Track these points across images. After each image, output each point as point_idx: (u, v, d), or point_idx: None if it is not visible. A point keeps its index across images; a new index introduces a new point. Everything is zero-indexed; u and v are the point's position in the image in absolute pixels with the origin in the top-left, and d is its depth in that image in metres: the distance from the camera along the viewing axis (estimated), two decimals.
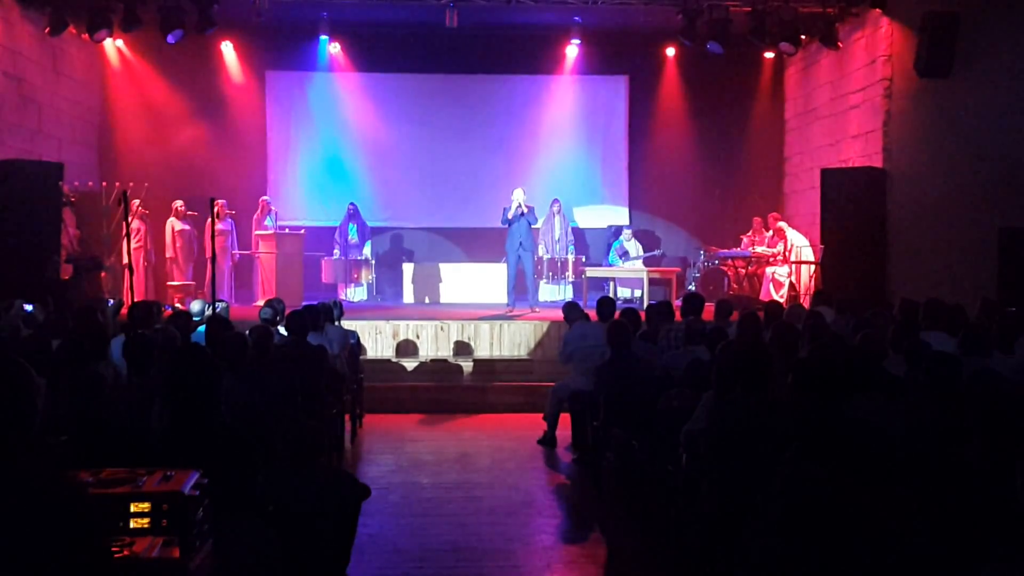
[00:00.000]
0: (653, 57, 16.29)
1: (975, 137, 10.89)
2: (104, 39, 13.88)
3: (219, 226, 12.48)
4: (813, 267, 13.61)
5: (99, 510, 2.65)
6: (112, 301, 10.75)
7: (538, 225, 14.79)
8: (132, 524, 3.31)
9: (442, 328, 11.78)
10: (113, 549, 3.10)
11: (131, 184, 12.80)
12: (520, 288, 13.38)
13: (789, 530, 3.29)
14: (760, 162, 16.57)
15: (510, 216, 13.03)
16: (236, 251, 14.80)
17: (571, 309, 9.32)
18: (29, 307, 9.42)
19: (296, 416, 6.07)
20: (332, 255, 15.17)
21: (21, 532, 2.44)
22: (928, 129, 11.91)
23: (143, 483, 3.44)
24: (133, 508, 3.32)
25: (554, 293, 15.26)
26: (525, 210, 13.01)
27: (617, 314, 8.64)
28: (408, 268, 15.38)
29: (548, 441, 8.82)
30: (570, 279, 15.28)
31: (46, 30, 13.06)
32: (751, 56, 15.77)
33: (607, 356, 7.32)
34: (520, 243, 13.06)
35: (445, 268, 15.37)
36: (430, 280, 15.17)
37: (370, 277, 15.30)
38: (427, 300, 14.93)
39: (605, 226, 16.60)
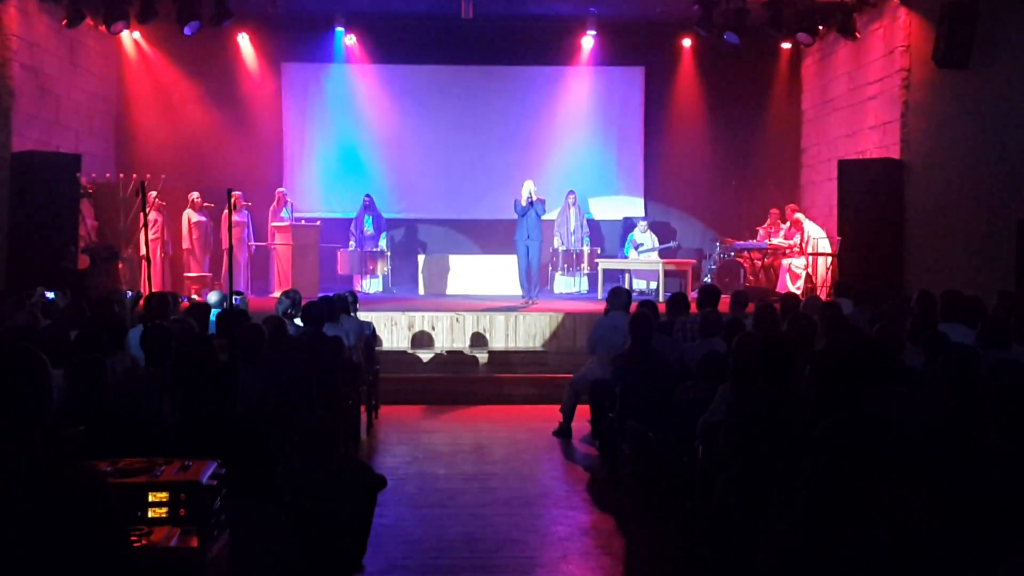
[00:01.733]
0: (669, 48, 16.21)
1: (993, 128, 10.81)
2: (121, 31, 13.92)
3: (235, 217, 12.52)
4: (830, 259, 13.55)
5: (117, 499, 2.66)
6: (130, 292, 10.80)
7: (552, 216, 14.77)
8: (150, 513, 3.33)
9: (457, 320, 11.79)
10: (131, 538, 3.11)
11: (148, 175, 12.83)
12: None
13: (809, 523, 3.28)
14: (777, 153, 16.49)
15: (523, 204, 13.02)
16: (252, 242, 14.84)
17: (613, 296, 8.94)
18: (51, 295, 9.50)
19: (312, 407, 6.10)
20: (348, 247, 15.19)
21: (39, 522, 2.45)
22: (946, 120, 11.82)
23: (161, 473, 3.46)
24: (151, 497, 3.34)
25: (569, 285, 15.25)
26: (535, 199, 13.00)
27: (634, 306, 8.60)
28: (423, 260, 15.39)
29: (563, 432, 8.81)
30: (585, 271, 15.26)
31: (63, 22, 13.10)
32: (768, 46, 15.68)
33: (624, 346, 7.30)
34: (528, 234, 13.06)
35: (460, 260, 15.36)
36: (445, 272, 15.16)
37: (385, 269, 15.32)
38: (446, 292, 14.93)
39: (620, 218, 16.56)
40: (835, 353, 4.21)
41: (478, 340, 11.69)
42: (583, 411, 8.54)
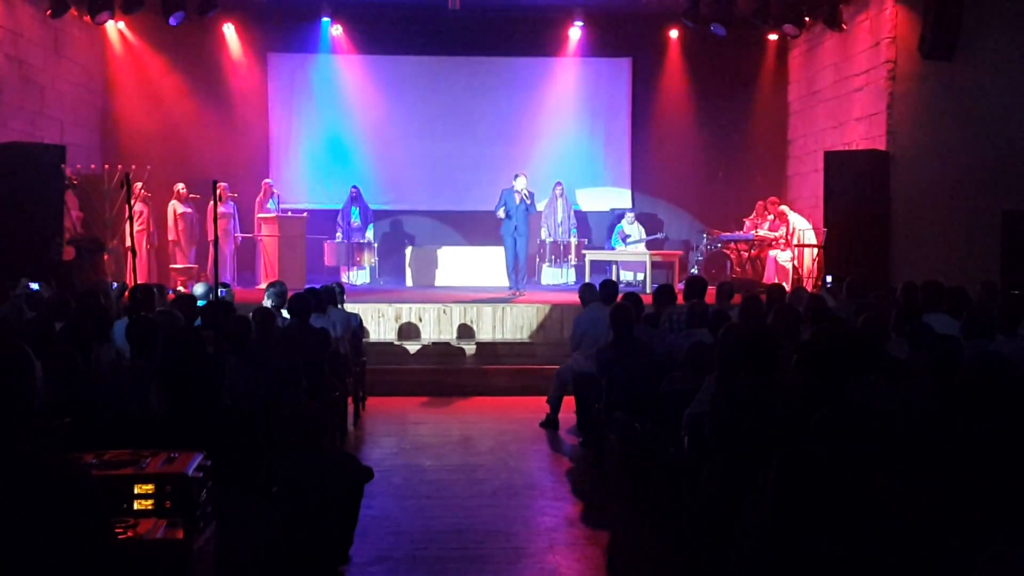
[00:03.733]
0: (656, 39, 16.21)
1: (979, 119, 10.86)
2: (106, 21, 13.86)
3: (221, 209, 12.48)
4: (816, 251, 13.59)
5: (102, 492, 2.66)
6: (116, 284, 10.76)
7: (539, 208, 14.75)
8: (136, 506, 3.32)
9: (444, 311, 11.78)
10: (116, 531, 3.11)
11: (133, 167, 12.77)
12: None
13: (782, 511, 3.29)
14: (763, 145, 16.52)
15: (500, 214, 12.99)
16: (238, 234, 14.79)
17: (587, 291, 9.27)
18: (35, 286, 9.45)
19: (300, 398, 6.10)
20: (334, 238, 15.16)
21: (23, 514, 2.45)
22: (932, 111, 11.87)
23: (146, 465, 3.45)
24: (137, 490, 3.33)
25: (556, 276, 15.25)
26: (527, 197, 12.96)
27: (619, 297, 8.63)
28: (410, 251, 15.37)
29: (550, 424, 8.83)
30: (573, 262, 15.27)
31: (48, 12, 13.01)
32: (755, 38, 15.71)
33: (607, 339, 7.32)
34: (515, 227, 13.02)
35: (447, 251, 15.35)
36: (432, 263, 15.15)
37: (372, 260, 15.30)
38: (434, 284, 14.90)
39: (608, 209, 16.58)
40: (823, 343, 4.23)
41: (465, 332, 11.69)
42: (569, 402, 8.56)
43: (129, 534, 3.20)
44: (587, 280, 13.75)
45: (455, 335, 11.68)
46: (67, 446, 3.54)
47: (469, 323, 11.73)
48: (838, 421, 3.30)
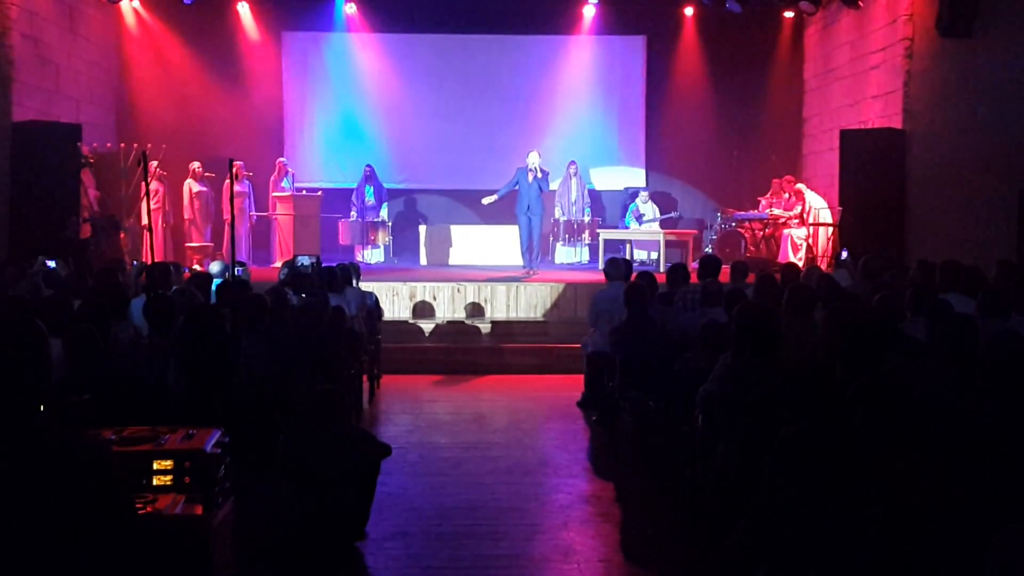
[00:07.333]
0: (671, 17, 16.11)
1: (996, 98, 10.77)
2: None
3: (237, 188, 12.50)
4: (831, 229, 13.54)
5: (121, 467, 2.68)
6: (136, 262, 10.81)
7: (553, 187, 14.72)
8: (155, 481, 3.36)
9: (458, 290, 11.80)
10: (136, 506, 3.14)
11: (149, 145, 12.80)
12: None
13: (783, 487, 3.29)
14: (779, 123, 16.42)
15: (489, 200, 13.11)
16: (253, 213, 14.83)
17: (611, 266, 9.02)
18: (52, 264, 9.51)
19: (314, 376, 6.13)
20: (349, 217, 15.19)
21: (43, 491, 2.48)
22: (949, 90, 11.77)
23: (165, 441, 3.49)
24: (156, 466, 3.38)
25: (570, 255, 15.24)
26: (540, 175, 12.95)
27: (633, 276, 8.61)
28: (424, 230, 15.38)
29: (586, 403, 8.73)
30: (587, 241, 15.25)
31: None
32: (770, 15, 15.60)
33: (623, 317, 7.32)
34: (528, 206, 13.01)
35: (461, 230, 15.35)
36: (446, 242, 15.16)
37: (387, 239, 15.31)
38: (448, 262, 14.91)
39: (622, 188, 16.53)
40: (851, 322, 4.18)
41: (479, 310, 11.72)
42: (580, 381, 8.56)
43: (148, 509, 3.24)
44: (600, 259, 13.76)
45: (469, 313, 11.70)
46: (86, 423, 3.58)
47: (483, 302, 11.75)
48: (876, 397, 3.27)
